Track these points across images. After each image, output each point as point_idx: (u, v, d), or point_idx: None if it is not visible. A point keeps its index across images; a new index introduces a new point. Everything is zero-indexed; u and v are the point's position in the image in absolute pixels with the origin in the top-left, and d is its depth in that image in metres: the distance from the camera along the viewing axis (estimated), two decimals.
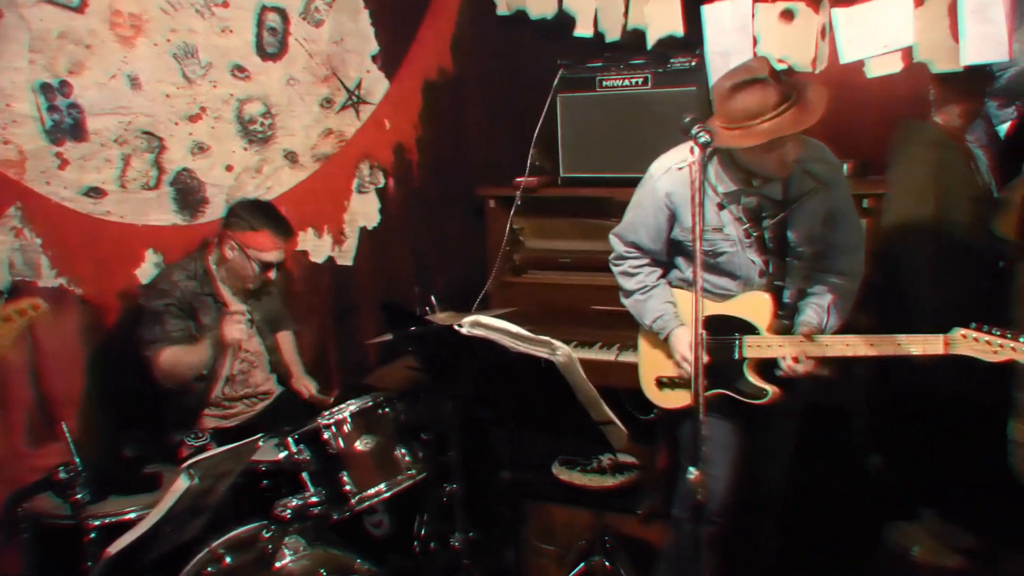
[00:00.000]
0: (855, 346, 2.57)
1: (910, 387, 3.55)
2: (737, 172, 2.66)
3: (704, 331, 2.73)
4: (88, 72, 3.00)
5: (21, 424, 2.89)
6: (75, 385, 3.05)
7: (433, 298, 3.41)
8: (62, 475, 2.15)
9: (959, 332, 2.40)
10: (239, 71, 3.48)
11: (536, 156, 4.10)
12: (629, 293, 2.94)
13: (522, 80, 4.60)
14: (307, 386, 3.43)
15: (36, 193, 2.92)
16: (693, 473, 2.15)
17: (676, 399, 2.86)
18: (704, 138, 2.16)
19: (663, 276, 2.93)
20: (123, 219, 3.17)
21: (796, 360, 2.59)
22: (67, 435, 2.28)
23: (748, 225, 2.68)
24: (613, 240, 2.99)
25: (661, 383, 2.91)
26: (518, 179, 4.09)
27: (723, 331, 2.73)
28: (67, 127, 2.98)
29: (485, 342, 2.21)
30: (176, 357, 3.06)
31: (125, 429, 3.11)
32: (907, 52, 3.36)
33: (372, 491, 2.83)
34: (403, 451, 2.93)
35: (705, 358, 2.70)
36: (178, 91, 3.28)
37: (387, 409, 2.95)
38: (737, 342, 2.71)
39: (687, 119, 2.25)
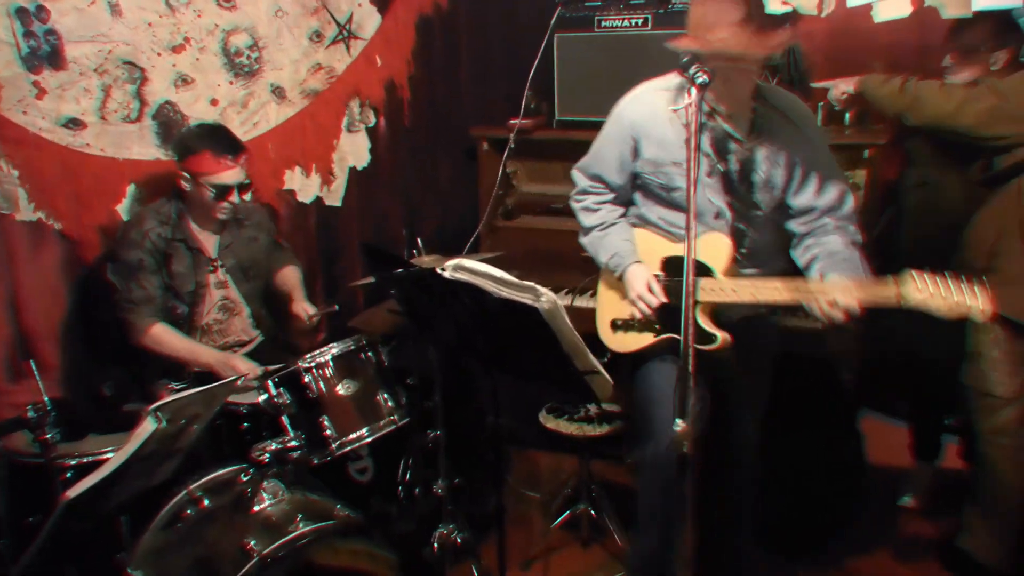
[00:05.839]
0: (809, 293, 2.44)
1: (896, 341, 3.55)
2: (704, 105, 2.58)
3: (661, 272, 2.70)
4: None
5: None
6: (54, 321, 2.99)
7: (420, 241, 3.34)
8: (31, 414, 2.10)
9: (911, 278, 2.28)
10: (224, 0, 3.36)
11: (531, 97, 4.00)
12: (588, 230, 2.87)
13: (519, 18, 4.48)
14: (306, 309, 3.28)
15: (13, 123, 2.83)
16: (680, 425, 2.10)
17: (629, 342, 2.78)
18: (701, 78, 2.08)
19: (623, 216, 2.87)
20: (103, 152, 3.08)
21: (832, 305, 2.41)
22: (36, 373, 2.22)
23: (714, 160, 2.59)
24: (576, 175, 2.92)
25: (615, 325, 2.82)
26: (512, 120, 3.99)
27: (679, 272, 2.61)
28: (44, 54, 2.87)
29: (468, 287, 2.14)
30: (166, 341, 3.02)
31: (104, 367, 3.07)
32: None
33: (353, 436, 2.80)
34: (386, 396, 2.89)
35: (663, 298, 2.66)
36: (160, 19, 3.17)
37: (370, 353, 2.91)
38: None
39: (685, 58, 2.16)
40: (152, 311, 3.01)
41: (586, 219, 2.89)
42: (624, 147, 2.73)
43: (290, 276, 3.46)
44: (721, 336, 2.58)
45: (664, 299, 2.64)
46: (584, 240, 2.89)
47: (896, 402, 4.01)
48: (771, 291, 2.51)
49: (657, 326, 2.69)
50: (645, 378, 2.78)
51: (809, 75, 3.75)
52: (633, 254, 2.74)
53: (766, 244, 2.70)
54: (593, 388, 2.20)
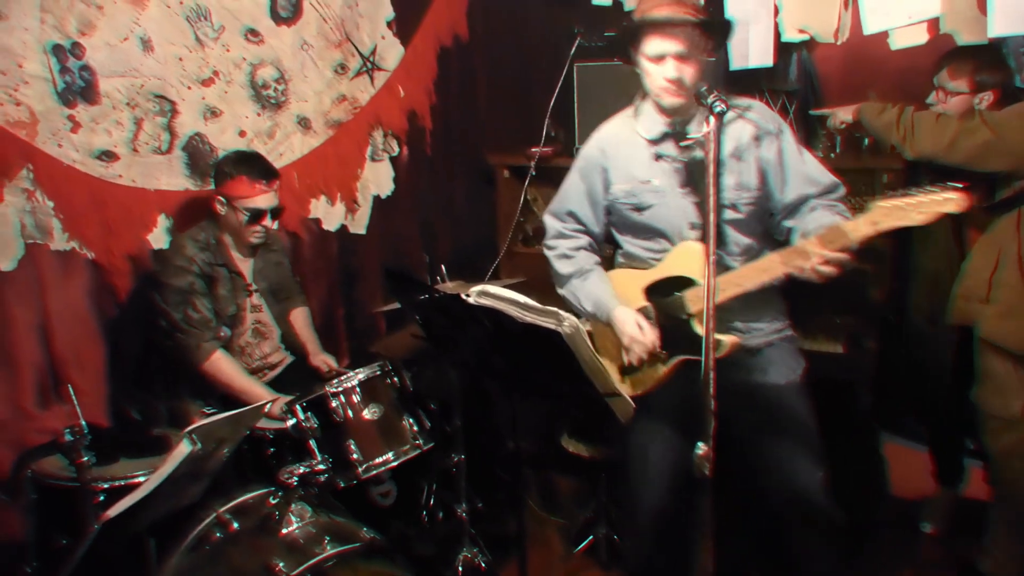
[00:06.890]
0: (802, 253, 2.33)
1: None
2: (660, 114, 2.60)
3: (648, 303, 2.66)
4: (99, 33, 2.97)
5: (30, 385, 2.90)
6: (85, 347, 3.05)
7: (444, 267, 3.39)
8: (68, 437, 2.15)
9: (878, 203, 2.24)
10: (252, 35, 3.45)
11: (551, 126, 4.06)
12: (565, 279, 2.82)
13: (538, 48, 4.55)
14: (326, 361, 3.36)
15: (47, 155, 2.91)
16: (702, 448, 2.09)
17: (646, 381, 2.68)
18: (720, 107, 2.11)
19: (599, 264, 2.83)
20: (134, 183, 3.16)
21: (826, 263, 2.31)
22: (73, 397, 2.27)
23: (683, 172, 2.58)
24: (548, 219, 2.89)
25: (623, 371, 2.73)
26: (533, 148, 4.05)
27: (662, 294, 2.61)
28: (78, 89, 2.95)
29: (489, 311, 2.18)
30: (227, 372, 3.04)
31: (131, 391, 3.12)
32: (933, 23, 3.27)
33: (379, 460, 2.84)
34: (411, 420, 2.93)
35: (656, 331, 2.60)
36: (190, 54, 3.25)
37: (395, 378, 2.95)
38: (680, 301, 2.57)
39: (703, 87, 2.21)
40: (212, 335, 3.05)
41: (562, 267, 2.84)
42: (594, 178, 2.73)
43: (300, 321, 3.49)
44: (726, 340, 2.49)
45: (656, 337, 2.59)
46: (562, 291, 2.84)
47: (917, 427, 4.00)
48: (755, 275, 2.45)
49: (663, 353, 2.62)
50: (629, 439, 2.74)
51: (819, 101, 3.79)
52: (614, 298, 2.69)
53: (748, 245, 2.63)
54: (614, 410, 2.22)
